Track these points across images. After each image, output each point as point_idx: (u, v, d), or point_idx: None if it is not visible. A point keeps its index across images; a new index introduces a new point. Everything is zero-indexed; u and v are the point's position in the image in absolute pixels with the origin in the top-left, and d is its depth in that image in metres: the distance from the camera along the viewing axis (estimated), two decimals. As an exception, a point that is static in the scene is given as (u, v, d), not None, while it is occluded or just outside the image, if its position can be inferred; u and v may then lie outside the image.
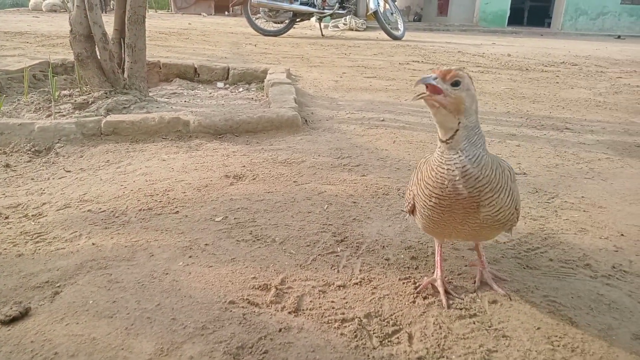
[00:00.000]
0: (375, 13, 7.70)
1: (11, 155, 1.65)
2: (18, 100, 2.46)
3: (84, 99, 2.37)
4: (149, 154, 1.70)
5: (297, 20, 7.78)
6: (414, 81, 3.51)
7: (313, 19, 8.44)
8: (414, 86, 0.69)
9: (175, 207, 1.22)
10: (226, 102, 2.77)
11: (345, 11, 8.08)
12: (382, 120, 2.26)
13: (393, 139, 1.96)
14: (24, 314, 0.76)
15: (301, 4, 7.65)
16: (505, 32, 11.03)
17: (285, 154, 1.71)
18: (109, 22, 2.34)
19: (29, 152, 1.67)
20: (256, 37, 6.93)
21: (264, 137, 1.95)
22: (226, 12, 15.82)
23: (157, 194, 1.30)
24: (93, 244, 1.00)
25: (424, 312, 0.83)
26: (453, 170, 0.74)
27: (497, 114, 2.52)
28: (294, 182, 1.45)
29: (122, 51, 2.58)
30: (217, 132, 1.96)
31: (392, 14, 8.05)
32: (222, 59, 4.18)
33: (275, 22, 7.93)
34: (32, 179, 1.48)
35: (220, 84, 3.33)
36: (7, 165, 1.56)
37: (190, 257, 0.97)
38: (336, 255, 1.02)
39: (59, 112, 2.23)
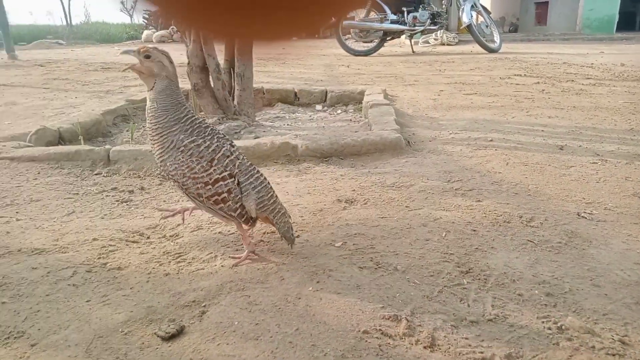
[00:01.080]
0: (469, 26, 7.49)
1: (145, 179, 1.83)
2: (143, 127, 2.74)
3: (200, 125, 2.57)
4: (263, 178, 1.79)
5: (388, 38, 7.81)
6: (519, 97, 3.35)
7: (403, 36, 8.41)
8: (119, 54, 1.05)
9: (296, 231, 1.27)
10: (326, 125, 2.85)
11: (437, 26, 7.95)
12: (490, 141, 2.18)
13: (505, 161, 1.87)
14: (179, 332, 0.83)
15: (391, 22, 7.67)
16: (613, 39, 10.11)
17: (392, 178, 1.71)
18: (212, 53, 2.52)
19: (159, 176, 1.85)
20: (347, 58, 7.07)
21: (369, 160, 1.97)
22: (316, 35, 16.36)
23: (277, 218, 1.37)
24: (229, 266, 1.08)
25: (570, 357, 0.78)
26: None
27: (619, 132, 2.30)
28: (406, 207, 1.44)
29: (232, 80, 2.77)
30: (323, 155, 2.02)
31: (486, 26, 7.77)
32: (319, 82, 4.32)
33: (365, 42, 8.03)
34: (164, 201, 1.63)
35: (319, 107, 3.44)
36: (142, 188, 1.74)
37: (317, 282, 1.00)
38: (463, 288, 0.99)
39: (180, 137, 2.43)
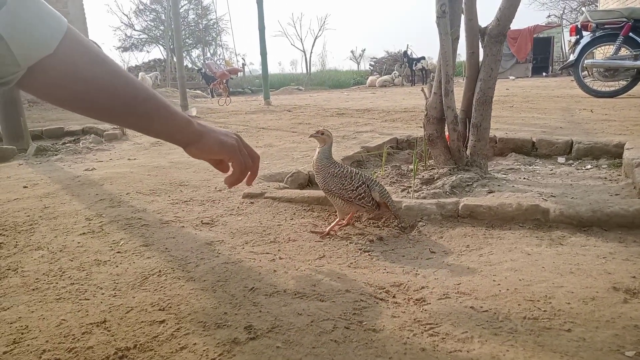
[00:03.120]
0: None
1: (383, 229, 1.88)
2: (375, 171, 2.86)
3: (430, 175, 2.55)
4: (509, 244, 1.63)
5: (643, 78, 6.62)
6: None
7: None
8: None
9: (565, 323, 1.09)
10: (574, 182, 2.49)
11: None
12: None
13: None
14: None
15: (649, 59, 6.49)
16: None
17: (689, 266, 1.34)
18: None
19: (397, 227, 1.87)
20: (588, 100, 6.24)
21: (645, 236, 1.61)
22: (544, 74, 15.05)
23: (538, 300, 1.20)
24: (490, 354, 0.97)
25: None
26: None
27: None
28: None
29: (467, 130, 2.68)
30: (580, 223, 1.74)
31: None
32: (558, 129, 3.88)
33: (609, 82, 6.97)
34: (403, 256, 1.63)
35: (561, 159, 3.06)
36: (381, 239, 1.78)
37: (612, 405, 0.81)
38: None
39: (410, 186, 2.45)
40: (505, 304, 1.19)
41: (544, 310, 1.15)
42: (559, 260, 1.45)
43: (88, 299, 1.32)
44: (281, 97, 10.71)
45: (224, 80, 10.07)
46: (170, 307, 1.25)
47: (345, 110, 6.51)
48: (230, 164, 1.01)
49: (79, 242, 1.80)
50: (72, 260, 1.62)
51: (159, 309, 1.24)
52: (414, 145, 3.42)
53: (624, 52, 6.72)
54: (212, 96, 13.88)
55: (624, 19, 6.60)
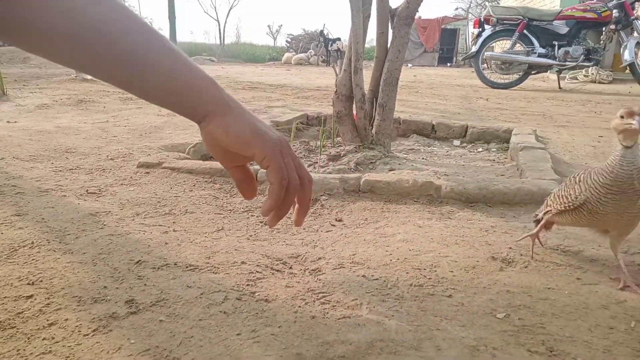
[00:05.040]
0: (631, 65, 6.65)
1: (286, 203, 1.86)
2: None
3: (337, 152, 2.58)
4: (404, 217, 1.70)
5: (532, 72, 7.27)
6: None
7: (550, 71, 7.78)
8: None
9: (447, 290, 1.15)
10: (466, 163, 2.67)
11: (592, 63, 7.20)
12: (677, 207, 1.82)
13: (703, 237, 1.53)
14: (331, 393, 0.77)
15: (539, 55, 7.13)
16: None
17: (555, 238, 1.49)
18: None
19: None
20: (485, 90, 6.73)
21: (522, 212, 1.77)
22: (448, 64, 15.99)
23: (425, 269, 1.26)
24: (376, 320, 1.00)
25: None
26: (631, 170, 1.05)
27: None
28: (577, 279, 1.23)
29: (373, 109, 2.74)
30: (468, 200, 1.87)
31: (653, 66, 6.82)
32: (456, 115, 4.13)
33: (505, 74, 7.57)
34: (304, 229, 1.62)
35: (456, 142, 3.27)
36: (283, 212, 1.76)
37: (482, 362, 0.87)
38: (673, 406, 0.78)
39: (316, 162, 2.46)
40: (394, 273, 1.24)
41: (429, 278, 1.21)
42: (447, 233, 1.53)
43: (-62, 275, 1.14)
44: (192, 68, 10.22)
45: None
46: (42, 281, 1.12)
47: (259, 84, 6.37)
48: (261, 185, 0.71)
49: None
50: None
51: (28, 283, 1.11)
52: (323, 122, 3.44)
53: (518, 47, 7.33)
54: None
55: (521, 17, 7.18)
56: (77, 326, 0.93)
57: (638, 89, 6.70)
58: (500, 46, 8.82)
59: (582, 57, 6.94)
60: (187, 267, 1.23)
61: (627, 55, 6.61)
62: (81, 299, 1.04)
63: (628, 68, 6.68)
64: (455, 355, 0.89)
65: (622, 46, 6.82)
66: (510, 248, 1.41)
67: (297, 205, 0.74)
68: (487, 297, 1.12)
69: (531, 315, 1.04)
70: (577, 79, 8.60)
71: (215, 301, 1.05)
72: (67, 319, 0.96)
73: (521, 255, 1.36)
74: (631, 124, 1.04)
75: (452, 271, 1.26)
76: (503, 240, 1.48)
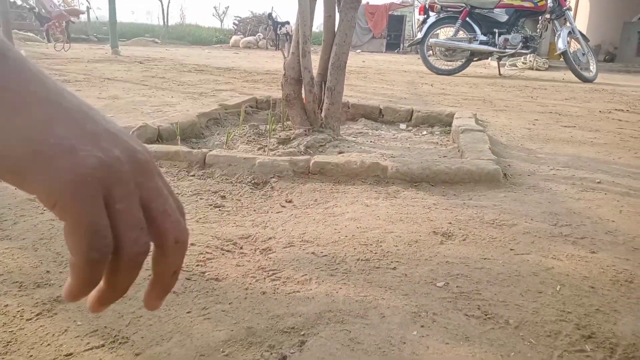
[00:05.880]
0: (564, 53, 7.07)
1: (236, 185, 1.86)
2: (232, 130, 2.80)
3: (287, 135, 2.59)
4: (352, 197, 1.75)
5: (474, 59, 7.56)
6: (623, 135, 3.07)
7: (490, 58, 8.11)
8: None
9: (392, 262, 1.21)
10: (411, 145, 2.76)
11: (529, 50, 7.57)
12: (598, 182, 1.99)
13: (618, 208, 1.69)
14: (281, 362, 0.80)
15: (480, 43, 7.42)
16: None
17: (492, 213, 1.60)
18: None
19: (250, 183, 1.86)
20: (430, 76, 6.93)
21: (462, 190, 1.87)
22: (396, 50, 16.27)
23: (371, 244, 1.31)
24: (325, 292, 1.04)
25: None
26: None
27: None
28: (511, 249, 1.33)
29: (322, 93, 2.77)
30: (413, 179, 1.95)
31: (583, 54, 7.30)
32: (402, 100, 4.24)
33: (449, 61, 7.82)
34: (255, 210, 1.64)
35: (402, 126, 3.36)
36: (233, 194, 1.76)
37: (422, 326, 0.94)
38: (587, 356, 0.88)
39: (266, 145, 2.46)
40: (342, 249, 1.28)
41: (375, 253, 1.26)
42: (392, 211, 1.60)
43: None
44: (133, 49, 9.75)
45: (62, 23, 8.76)
46: (-23, 269, 1.07)
47: (205, 67, 6.21)
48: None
49: None
50: None
51: (-39, 272, 1.05)
52: (273, 105, 3.42)
53: (461, 34, 7.59)
54: (49, 40, 11.98)
55: (463, 4, 7.42)
56: (18, 311, 0.91)
57: (571, 75, 7.14)
58: (445, 33, 9.08)
59: (521, 44, 7.29)
60: (134, 250, 1.21)
61: (560, 44, 7.02)
62: (22, 285, 1.00)
63: (562, 56, 7.11)
64: (398, 321, 0.94)
65: (556, 35, 7.24)
66: (450, 223, 1.50)
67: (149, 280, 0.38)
68: (428, 268, 1.19)
69: (468, 283, 1.12)
70: (516, 66, 9.04)
71: (165, 282, 1.05)
72: (7, 305, 0.93)
73: (460, 229, 1.45)
74: None
75: (396, 246, 1.32)
76: (444, 216, 1.56)
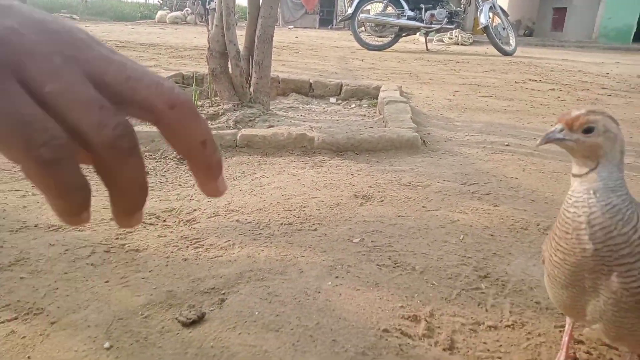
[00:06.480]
0: (486, 28, 7.42)
1: (160, 161, 1.83)
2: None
3: (215, 111, 2.56)
4: (279, 168, 1.79)
5: (403, 35, 7.75)
6: (534, 103, 3.32)
7: (418, 34, 8.35)
8: (536, 146, 0.62)
9: (313, 225, 1.27)
10: (340, 118, 2.83)
11: (454, 25, 7.88)
12: (507, 145, 2.17)
13: (522, 167, 1.86)
14: (200, 318, 0.83)
15: (408, 18, 7.60)
16: (630, 50, 10.02)
17: (408, 176, 1.70)
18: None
19: (175, 159, 1.84)
20: (362, 52, 7.03)
21: (384, 157, 1.97)
22: (329, 26, 16.26)
23: (295, 210, 1.37)
24: (247, 255, 1.08)
25: (590, 368, 0.78)
26: (579, 215, 0.59)
27: (635, 145, 2.29)
28: (423, 207, 1.44)
29: (250, 67, 2.75)
30: (338, 149, 2.01)
31: (503, 28, 7.70)
32: (333, 74, 4.30)
33: (379, 37, 7.96)
34: (180, 185, 1.63)
35: (332, 100, 3.42)
36: (157, 170, 1.74)
37: (337, 277, 1.00)
38: (481, 292, 0.99)
39: (194, 121, 2.43)
40: (267, 216, 1.32)
41: (298, 217, 1.32)
42: (317, 178, 1.66)
43: None
44: (49, 26, 9.03)
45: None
46: None
47: (128, 43, 5.91)
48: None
49: None
50: None
51: None
52: (200, 81, 3.35)
53: (390, 10, 7.73)
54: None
55: (390, -20, 7.53)
56: None
57: (493, 50, 7.53)
58: (375, 9, 9.20)
59: (446, 19, 7.56)
60: (49, 227, 1.18)
61: (482, 19, 7.35)
62: None
63: (484, 30, 7.46)
64: (315, 275, 1.01)
65: (479, 10, 7.57)
66: (370, 187, 1.58)
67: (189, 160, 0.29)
68: (346, 227, 1.26)
69: (382, 238, 1.21)
70: (443, 42, 9.39)
71: (82, 255, 1.04)
72: None
73: (379, 192, 1.54)
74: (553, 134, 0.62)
75: (318, 209, 1.38)
76: (365, 181, 1.65)
